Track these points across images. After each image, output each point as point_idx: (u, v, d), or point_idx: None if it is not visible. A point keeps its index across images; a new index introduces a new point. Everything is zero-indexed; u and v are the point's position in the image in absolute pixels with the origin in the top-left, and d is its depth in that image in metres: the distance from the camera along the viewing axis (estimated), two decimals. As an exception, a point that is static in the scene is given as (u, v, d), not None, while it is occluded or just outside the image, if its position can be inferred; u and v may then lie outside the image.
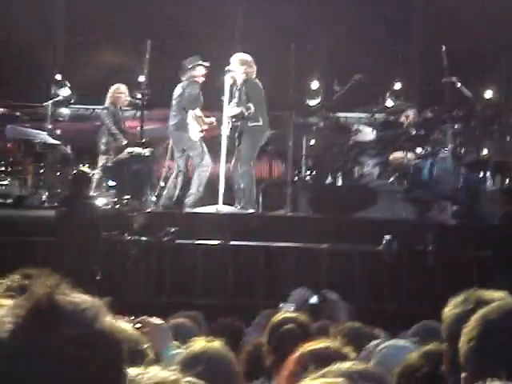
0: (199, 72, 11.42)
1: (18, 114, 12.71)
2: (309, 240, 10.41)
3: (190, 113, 11.35)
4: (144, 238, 10.03)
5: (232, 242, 10.29)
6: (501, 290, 2.62)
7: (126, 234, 10.01)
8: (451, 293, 2.70)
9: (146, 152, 11.58)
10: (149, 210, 10.93)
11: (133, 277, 10.02)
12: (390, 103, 13.22)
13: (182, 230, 10.20)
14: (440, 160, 11.64)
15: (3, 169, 12.14)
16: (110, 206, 10.89)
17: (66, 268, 9.01)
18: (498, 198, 10.86)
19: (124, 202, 11.00)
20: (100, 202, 11.45)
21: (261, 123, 11.15)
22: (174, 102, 11.45)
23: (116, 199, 11.12)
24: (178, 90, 11.45)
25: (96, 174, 11.83)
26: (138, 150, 11.55)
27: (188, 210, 11.18)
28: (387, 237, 10.10)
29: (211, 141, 11.64)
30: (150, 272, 10.20)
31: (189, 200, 11.26)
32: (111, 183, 11.29)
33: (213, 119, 11.47)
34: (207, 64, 11.40)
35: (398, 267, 10.12)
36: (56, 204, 10.59)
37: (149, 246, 10.04)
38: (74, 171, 10.51)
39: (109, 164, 11.59)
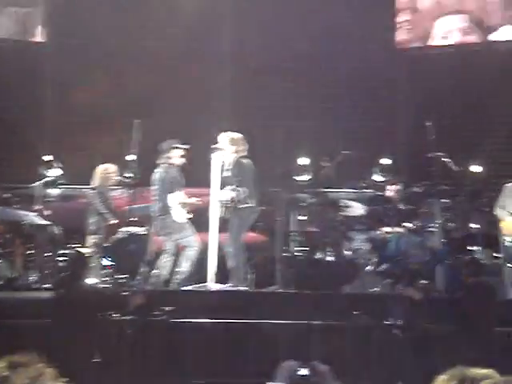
0: (175, 154, 11.41)
1: (6, 195, 12.73)
2: (298, 316, 10.35)
3: (171, 196, 11.33)
4: (139, 318, 9.95)
5: (223, 320, 10.22)
6: (469, 365, 2.62)
7: (120, 314, 9.92)
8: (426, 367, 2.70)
9: (142, 231, 11.58)
10: (145, 290, 10.87)
11: (128, 356, 9.91)
12: (377, 178, 13.30)
13: (176, 309, 10.13)
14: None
15: (-8, 250, 12.11)
16: (104, 286, 10.81)
17: (62, 350, 9.00)
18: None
19: (120, 281, 10.94)
20: (93, 281, 11.41)
21: (252, 204, 11.18)
22: (153, 188, 11.44)
23: (111, 279, 11.07)
24: (155, 175, 11.45)
25: (86, 253, 11.78)
26: (133, 229, 11.54)
27: (177, 288, 11.13)
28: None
29: (200, 212, 11.67)
30: (146, 351, 10.09)
31: (177, 278, 11.22)
32: (106, 262, 11.23)
33: (196, 199, 11.41)
34: (184, 146, 11.40)
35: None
36: (52, 286, 10.53)
37: (144, 325, 9.96)
38: (71, 252, 10.49)
39: (105, 244, 11.53)
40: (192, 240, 11.29)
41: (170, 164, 11.39)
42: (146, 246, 11.73)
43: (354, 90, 15.81)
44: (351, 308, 10.15)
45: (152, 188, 11.45)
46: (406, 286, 11.10)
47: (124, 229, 11.56)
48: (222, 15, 16.22)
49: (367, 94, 15.93)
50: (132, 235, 11.53)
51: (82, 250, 10.67)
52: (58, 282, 10.55)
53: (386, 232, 12.14)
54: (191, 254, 11.25)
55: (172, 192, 11.30)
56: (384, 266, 11.65)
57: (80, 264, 9.95)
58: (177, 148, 11.42)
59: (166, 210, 11.33)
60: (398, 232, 11.98)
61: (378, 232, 12.19)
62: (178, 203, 11.30)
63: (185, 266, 11.24)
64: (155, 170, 11.47)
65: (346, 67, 15.91)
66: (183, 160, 11.41)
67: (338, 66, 15.91)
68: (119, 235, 11.54)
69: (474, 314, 9.36)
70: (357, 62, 15.90)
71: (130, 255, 11.38)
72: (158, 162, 11.46)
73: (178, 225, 11.33)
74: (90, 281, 10.48)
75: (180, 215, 11.33)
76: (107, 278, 11.19)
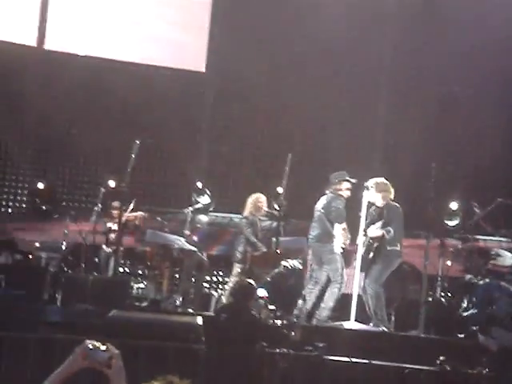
0: (345, 186, 11.48)
1: (158, 218, 13.04)
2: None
3: (337, 226, 11.35)
4: (292, 352, 9.94)
5: (362, 360, 10.10)
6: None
7: (275, 347, 9.93)
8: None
9: (299, 265, 11.60)
10: (299, 324, 10.87)
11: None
12: (531, 227, 12.93)
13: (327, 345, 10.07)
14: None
15: (141, 272, 12.41)
16: (259, 317, 10.75)
17: (214, 377, 9.11)
18: None
19: (276, 314, 10.94)
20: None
21: (398, 248, 11.14)
22: (317, 214, 11.48)
23: (266, 310, 11.07)
24: (321, 202, 11.50)
25: (230, 282, 11.94)
26: (292, 262, 11.57)
27: (319, 323, 11.09)
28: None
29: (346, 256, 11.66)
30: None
31: (320, 314, 11.18)
32: (261, 293, 11.23)
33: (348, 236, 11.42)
34: (354, 181, 11.46)
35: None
36: (214, 311, 10.66)
37: (297, 360, 9.94)
38: (240, 282, 10.64)
39: (268, 279, 11.53)
40: (339, 274, 11.24)
41: (338, 195, 11.44)
42: (303, 281, 11.75)
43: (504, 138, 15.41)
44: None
45: (315, 215, 11.48)
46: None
47: (284, 262, 11.55)
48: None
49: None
50: (291, 269, 11.52)
51: (252, 282, 10.74)
52: (220, 309, 10.72)
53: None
54: (335, 290, 11.21)
55: (339, 222, 11.33)
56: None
57: (246, 294, 10.07)
58: (347, 181, 11.47)
59: (326, 238, 11.34)
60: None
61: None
62: (339, 233, 11.31)
63: (329, 302, 11.18)
64: (321, 198, 11.54)
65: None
66: (349, 193, 11.46)
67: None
68: (277, 268, 11.51)
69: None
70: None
71: (288, 288, 11.40)
72: (326, 190, 11.52)
73: (332, 255, 11.31)
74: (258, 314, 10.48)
75: (337, 246, 11.32)
76: (263, 310, 11.19)
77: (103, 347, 3.70)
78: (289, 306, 11.27)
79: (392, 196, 11.32)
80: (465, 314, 11.47)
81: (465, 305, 11.65)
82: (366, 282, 11.16)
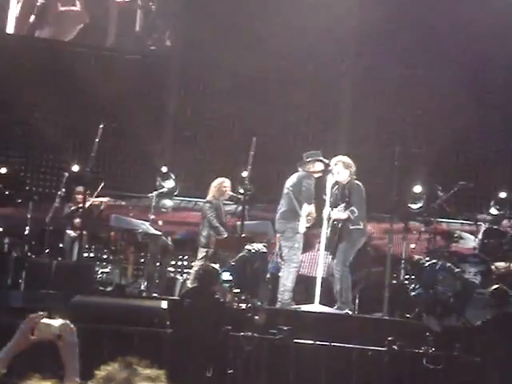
0: (318, 167, 11.44)
1: (122, 203, 12.99)
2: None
3: (305, 206, 11.34)
4: (257, 335, 9.96)
5: (327, 343, 10.17)
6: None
7: (239, 331, 9.95)
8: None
9: (264, 248, 11.59)
10: (264, 308, 10.88)
11: (244, 373, 9.93)
12: (494, 211, 13.05)
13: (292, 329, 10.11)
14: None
15: (105, 257, 12.38)
16: (224, 301, 10.73)
17: (177, 360, 9.12)
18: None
19: (242, 298, 10.93)
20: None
21: (361, 226, 11.14)
22: (285, 191, 11.44)
23: (231, 295, 11.05)
24: (291, 180, 11.44)
25: (195, 266, 11.94)
26: (257, 246, 11.56)
27: (282, 307, 11.11)
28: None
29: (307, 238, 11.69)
30: (260, 369, 10.09)
31: (282, 297, 11.17)
32: (226, 277, 11.21)
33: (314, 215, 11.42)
34: (327, 161, 11.42)
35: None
36: (179, 295, 10.62)
37: (261, 343, 9.97)
38: (204, 266, 10.66)
39: (232, 263, 11.52)
40: (296, 254, 11.22)
41: (310, 175, 11.43)
42: (267, 265, 11.75)
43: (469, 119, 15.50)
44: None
45: (283, 192, 11.45)
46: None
47: (249, 246, 11.53)
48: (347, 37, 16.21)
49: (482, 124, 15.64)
50: (256, 253, 11.49)
51: (215, 266, 10.71)
52: (185, 293, 10.71)
53: (496, 267, 11.90)
54: (293, 269, 11.18)
55: (307, 202, 11.30)
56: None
57: (210, 278, 10.08)
58: (321, 161, 11.44)
59: (291, 216, 11.33)
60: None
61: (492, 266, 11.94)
62: (306, 214, 11.28)
63: (287, 283, 11.16)
64: (292, 176, 11.51)
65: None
66: (321, 174, 11.42)
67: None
68: (241, 252, 11.49)
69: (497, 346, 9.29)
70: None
71: (252, 272, 11.38)
72: (298, 168, 11.48)
73: (294, 234, 11.30)
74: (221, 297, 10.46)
75: (302, 225, 11.29)
76: (227, 294, 11.19)
77: (56, 321, 3.68)
78: (253, 290, 11.28)
79: (354, 175, 11.29)
80: (412, 294, 11.58)
81: (413, 285, 11.77)
82: (333, 263, 11.18)
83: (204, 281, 10.06)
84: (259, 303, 11.04)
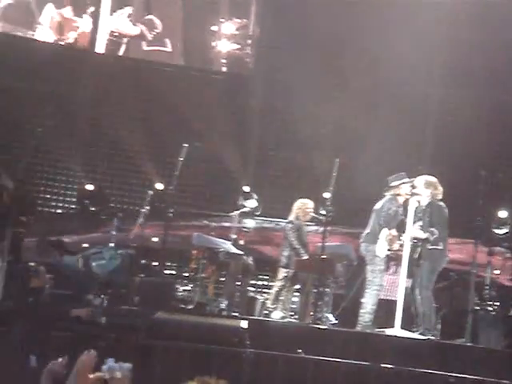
0: (403, 191, 11.29)
1: (205, 222, 13.09)
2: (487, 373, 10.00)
3: (384, 230, 11.26)
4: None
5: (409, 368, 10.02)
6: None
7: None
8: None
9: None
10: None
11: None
12: None
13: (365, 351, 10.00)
14: None
15: (187, 275, 12.46)
16: (289, 320, 10.73)
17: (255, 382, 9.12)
18: None
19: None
20: (277, 315, 11.52)
21: (441, 247, 10.96)
22: (372, 215, 11.38)
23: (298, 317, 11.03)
24: (378, 205, 11.32)
25: (275, 286, 11.94)
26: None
27: (365, 329, 11.01)
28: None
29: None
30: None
31: (363, 319, 11.07)
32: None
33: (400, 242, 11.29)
34: (412, 183, 11.29)
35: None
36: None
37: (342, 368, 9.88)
38: None
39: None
40: (380, 277, 11.12)
41: (395, 198, 11.29)
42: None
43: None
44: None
45: (372, 216, 11.41)
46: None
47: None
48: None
49: None
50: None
51: None
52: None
53: None
54: (373, 293, 11.08)
55: (386, 226, 11.21)
56: None
57: None
58: (406, 184, 11.33)
59: (372, 239, 11.20)
60: None
61: None
62: (387, 237, 11.15)
63: (368, 305, 11.06)
64: (380, 201, 11.39)
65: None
66: (408, 197, 11.28)
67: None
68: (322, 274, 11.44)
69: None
70: None
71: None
72: (384, 193, 11.41)
73: (374, 257, 11.18)
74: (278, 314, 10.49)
75: (382, 250, 11.17)
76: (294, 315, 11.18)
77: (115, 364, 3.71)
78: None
79: (440, 196, 11.13)
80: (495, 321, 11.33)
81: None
82: (414, 287, 11.03)
83: None
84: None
